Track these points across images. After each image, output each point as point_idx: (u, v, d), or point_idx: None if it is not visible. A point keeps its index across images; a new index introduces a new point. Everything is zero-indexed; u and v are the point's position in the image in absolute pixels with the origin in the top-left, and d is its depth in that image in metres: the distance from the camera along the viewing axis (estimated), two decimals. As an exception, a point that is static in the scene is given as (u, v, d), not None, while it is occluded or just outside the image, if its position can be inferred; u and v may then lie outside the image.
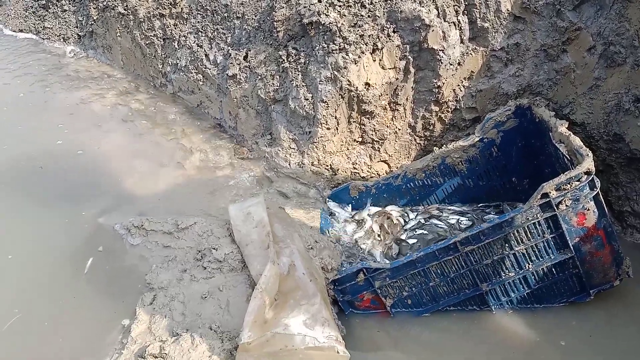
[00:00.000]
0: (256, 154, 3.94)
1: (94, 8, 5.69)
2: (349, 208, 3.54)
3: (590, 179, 2.41)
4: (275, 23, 3.67)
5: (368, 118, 3.48)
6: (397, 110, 3.48)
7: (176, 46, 4.70)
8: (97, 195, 3.56)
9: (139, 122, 4.48)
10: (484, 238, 2.60)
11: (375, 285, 2.81)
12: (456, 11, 3.22)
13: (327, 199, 3.55)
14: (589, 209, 2.49)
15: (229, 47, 4.16)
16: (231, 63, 4.05)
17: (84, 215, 3.38)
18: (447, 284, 2.78)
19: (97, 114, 4.62)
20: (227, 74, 4.07)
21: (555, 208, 2.47)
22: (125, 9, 5.17)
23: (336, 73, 3.34)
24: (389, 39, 3.30)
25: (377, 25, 3.29)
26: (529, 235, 2.58)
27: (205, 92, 4.50)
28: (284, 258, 2.70)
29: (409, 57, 3.33)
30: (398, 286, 2.82)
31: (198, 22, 4.47)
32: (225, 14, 4.20)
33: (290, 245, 2.79)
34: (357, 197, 3.55)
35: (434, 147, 3.46)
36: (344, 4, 3.34)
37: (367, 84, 3.35)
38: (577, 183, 2.40)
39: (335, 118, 3.48)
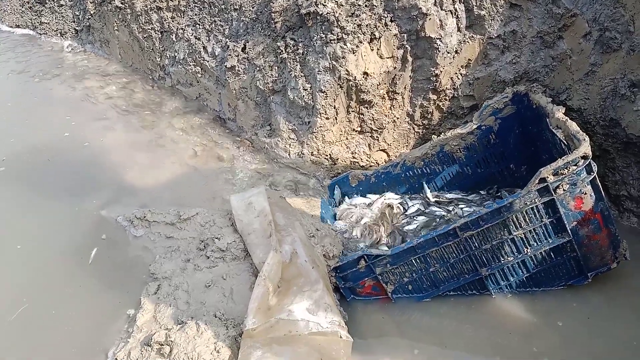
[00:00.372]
0: (256, 145, 3.97)
1: (91, 2, 5.69)
2: (347, 199, 3.58)
3: (587, 163, 2.44)
4: (272, 14, 3.69)
5: (367, 107, 3.50)
6: (396, 99, 3.51)
7: (174, 39, 4.71)
8: (99, 188, 3.60)
9: (138, 115, 4.50)
10: (483, 223, 2.63)
11: (377, 271, 2.84)
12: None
13: (328, 188, 3.58)
14: (586, 193, 2.52)
15: (227, 39, 4.17)
16: (229, 55, 4.07)
17: (89, 208, 3.42)
18: (447, 269, 2.82)
19: (97, 107, 4.65)
20: (226, 66, 4.09)
21: (553, 192, 2.50)
22: (122, 3, 5.17)
23: (334, 63, 3.37)
24: (387, 28, 3.32)
25: (374, 14, 3.30)
26: (527, 220, 2.61)
27: (204, 84, 4.52)
28: (286, 246, 2.73)
29: (407, 46, 3.35)
30: (399, 272, 2.85)
31: (195, 14, 4.48)
32: (223, 6, 4.21)
33: (291, 233, 2.82)
34: (357, 185, 3.58)
35: (433, 135, 3.49)
36: (341, -6, 3.36)
37: (365, 73, 3.38)
38: (574, 167, 2.43)
39: (334, 108, 3.51)
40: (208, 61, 4.36)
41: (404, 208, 3.46)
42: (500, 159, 3.40)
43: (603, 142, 3.18)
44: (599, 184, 2.54)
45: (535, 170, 2.51)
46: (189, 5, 4.53)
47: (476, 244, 2.71)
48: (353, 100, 3.48)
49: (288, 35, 3.68)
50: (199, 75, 4.52)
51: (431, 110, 3.54)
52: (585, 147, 2.41)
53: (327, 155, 3.66)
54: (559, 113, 2.78)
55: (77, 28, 6.12)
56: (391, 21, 3.31)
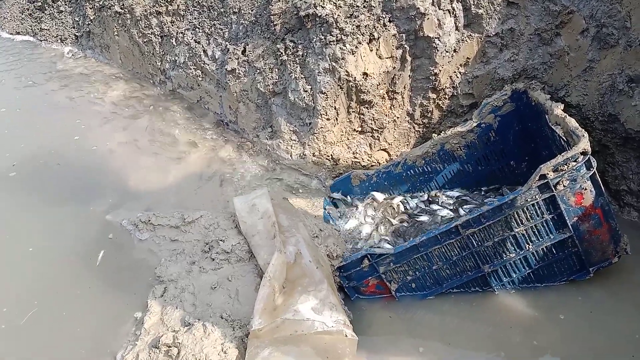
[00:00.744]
0: (257, 146, 4.00)
1: (90, 8, 5.72)
2: (349, 199, 3.61)
3: (587, 159, 2.47)
4: (272, 17, 3.71)
5: (367, 107, 3.53)
6: (396, 98, 3.53)
7: (174, 43, 4.73)
8: (104, 192, 3.63)
9: (140, 119, 4.53)
10: (484, 221, 2.66)
11: (380, 270, 2.87)
12: (450, -1, 3.26)
13: (330, 188, 3.61)
14: (586, 189, 2.55)
15: (227, 42, 4.20)
16: (229, 58, 4.10)
17: (95, 211, 3.46)
18: (449, 266, 2.84)
19: (101, 112, 4.69)
20: (226, 69, 4.11)
21: (553, 189, 2.53)
22: (121, 8, 5.20)
23: (334, 64, 3.39)
24: (385, 29, 3.34)
25: (372, 15, 3.33)
26: (529, 216, 2.64)
27: (205, 87, 4.55)
28: (290, 247, 2.76)
29: (405, 45, 3.38)
30: (402, 271, 2.88)
31: (195, 18, 4.50)
32: (222, 10, 4.24)
33: (295, 234, 2.85)
34: (359, 185, 3.61)
35: (433, 134, 3.52)
36: (339, -4, 3.39)
37: (364, 73, 3.40)
38: (574, 163, 2.46)
39: (335, 108, 3.53)
40: (208, 64, 4.39)
41: (405, 207, 3.48)
42: (500, 156, 3.43)
43: (602, 138, 3.21)
44: (599, 179, 2.57)
45: (535, 167, 2.53)
46: (188, 9, 4.55)
47: (478, 241, 2.74)
48: (353, 100, 3.51)
49: (287, 37, 3.70)
50: (200, 79, 4.55)
51: (431, 109, 3.56)
52: (585, 143, 2.44)
53: (328, 156, 3.68)
54: (558, 109, 2.80)
55: (77, 34, 6.14)
56: (389, 21, 3.34)
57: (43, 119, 4.64)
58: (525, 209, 2.61)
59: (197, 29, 4.48)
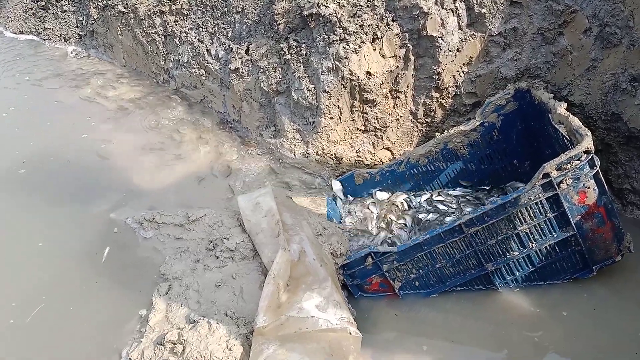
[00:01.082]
0: (261, 145, 4.01)
1: (94, 7, 5.74)
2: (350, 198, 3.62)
3: (590, 157, 2.47)
4: (275, 16, 3.72)
5: (370, 106, 3.54)
6: (399, 97, 3.54)
7: (177, 42, 4.75)
8: (109, 190, 3.65)
9: (144, 119, 4.55)
10: (488, 219, 2.67)
11: (384, 268, 2.88)
12: (454, -2, 3.27)
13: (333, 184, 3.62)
14: (589, 187, 2.56)
15: (230, 42, 4.21)
16: (233, 57, 4.11)
17: (101, 209, 3.49)
18: (453, 265, 2.85)
19: (106, 111, 4.71)
20: (230, 68, 4.13)
21: (557, 187, 2.53)
22: (125, 7, 5.21)
23: (337, 63, 3.40)
24: (389, 28, 3.35)
25: (376, 14, 3.34)
26: (532, 215, 2.64)
27: (208, 86, 4.56)
28: (294, 245, 2.77)
29: (409, 45, 3.39)
30: (405, 269, 2.89)
31: (198, 17, 4.52)
32: (225, 9, 4.25)
33: (299, 232, 2.87)
34: (362, 184, 3.62)
35: (436, 133, 3.52)
36: (343, -5, 3.40)
37: (368, 73, 3.41)
38: (577, 162, 2.46)
39: (338, 107, 3.54)
40: (212, 64, 4.40)
41: (408, 205, 3.49)
42: (503, 155, 3.43)
43: (605, 137, 3.21)
44: (602, 178, 2.58)
45: (538, 165, 2.54)
46: (192, 9, 4.57)
47: (482, 240, 2.74)
48: (356, 99, 3.52)
49: (291, 36, 3.71)
50: (203, 78, 4.56)
51: (434, 108, 3.57)
52: (588, 142, 2.44)
53: (332, 155, 3.69)
54: (561, 108, 2.81)
55: (80, 33, 6.16)
56: (393, 21, 3.35)
57: (48, 117, 4.67)
58: (528, 207, 2.61)
59: (200, 29, 4.49)
